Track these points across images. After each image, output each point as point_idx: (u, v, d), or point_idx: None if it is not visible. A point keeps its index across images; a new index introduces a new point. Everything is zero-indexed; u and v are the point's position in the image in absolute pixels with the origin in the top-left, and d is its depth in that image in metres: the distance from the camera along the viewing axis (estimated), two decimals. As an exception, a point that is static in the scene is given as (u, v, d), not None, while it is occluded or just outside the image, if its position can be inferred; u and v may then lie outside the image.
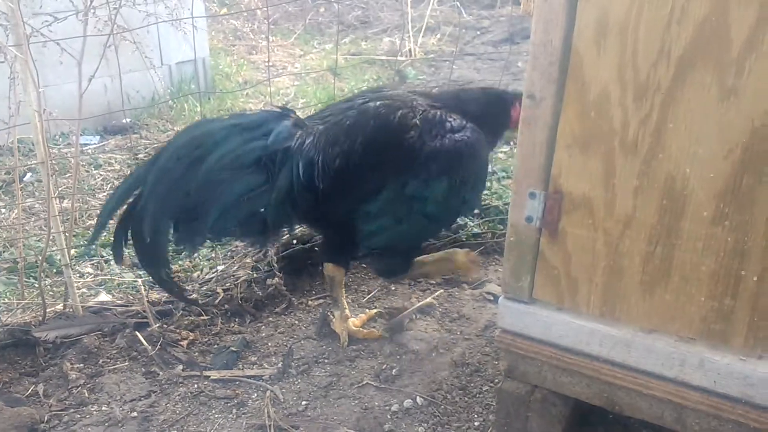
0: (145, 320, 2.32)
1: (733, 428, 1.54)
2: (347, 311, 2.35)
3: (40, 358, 2.18)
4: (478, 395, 2.07)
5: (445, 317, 2.47)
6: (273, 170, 2.02)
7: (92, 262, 2.81)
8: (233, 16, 7.41)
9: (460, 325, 2.42)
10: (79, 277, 2.61)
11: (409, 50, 6.73)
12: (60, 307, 2.33)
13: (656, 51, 1.42)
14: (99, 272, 2.70)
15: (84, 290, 2.50)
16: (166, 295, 2.40)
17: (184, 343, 2.26)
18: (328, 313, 2.38)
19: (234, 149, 2.00)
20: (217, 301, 2.44)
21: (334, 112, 2.17)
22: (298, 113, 2.18)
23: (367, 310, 2.46)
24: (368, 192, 2.06)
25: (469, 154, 2.06)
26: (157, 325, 2.30)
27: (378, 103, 2.13)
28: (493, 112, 2.23)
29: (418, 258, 2.31)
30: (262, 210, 2.04)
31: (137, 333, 2.26)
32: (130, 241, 2.00)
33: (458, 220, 2.70)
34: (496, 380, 2.15)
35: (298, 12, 8.09)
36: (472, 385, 2.12)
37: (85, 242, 2.84)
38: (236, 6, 7.79)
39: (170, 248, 2.09)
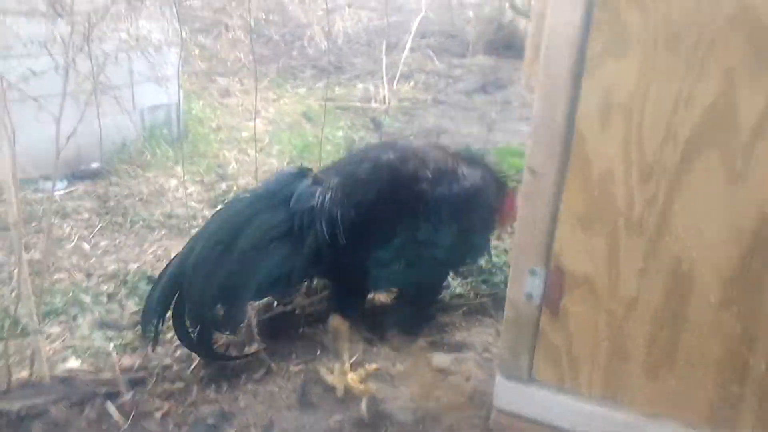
0: (116, 389, 2.20)
1: None
2: (347, 365, 2.30)
3: (3, 431, 2.04)
4: (468, 473, 1.99)
5: (429, 383, 2.39)
6: (300, 233, 2.08)
7: (59, 321, 2.68)
8: (205, 58, 7.35)
9: (446, 391, 2.34)
10: (46, 338, 2.48)
11: (384, 97, 6.73)
12: (25, 373, 2.19)
13: (663, 133, 1.40)
14: (66, 334, 2.57)
15: (50, 354, 2.37)
16: (138, 362, 2.30)
17: (159, 413, 2.14)
18: (323, 369, 2.35)
19: (260, 225, 2.07)
20: (192, 367, 2.33)
21: (349, 163, 2.25)
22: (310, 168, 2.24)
23: (367, 365, 2.40)
24: (383, 240, 2.12)
25: (478, 199, 2.14)
26: (130, 394, 2.18)
27: (391, 155, 2.21)
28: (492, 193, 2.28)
29: None
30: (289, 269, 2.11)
31: (108, 403, 2.14)
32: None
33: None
34: (484, 452, 2.07)
35: (272, 55, 8.07)
36: (462, 461, 2.04)
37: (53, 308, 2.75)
38: (209, 51, 7.74)
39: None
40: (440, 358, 2.52)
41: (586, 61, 1.43)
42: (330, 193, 2.10)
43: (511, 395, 1.69)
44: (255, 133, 4.29)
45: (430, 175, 2.13)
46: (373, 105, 6.61)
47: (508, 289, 1.65)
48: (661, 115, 1.39)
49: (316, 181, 2.15)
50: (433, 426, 2.16)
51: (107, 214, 3.79)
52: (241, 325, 2.35)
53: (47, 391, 2.14)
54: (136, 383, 2.23)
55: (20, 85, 2.06)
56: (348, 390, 2.27)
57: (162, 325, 2.16)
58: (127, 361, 2.31)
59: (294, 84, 7.38)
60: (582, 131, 1.46)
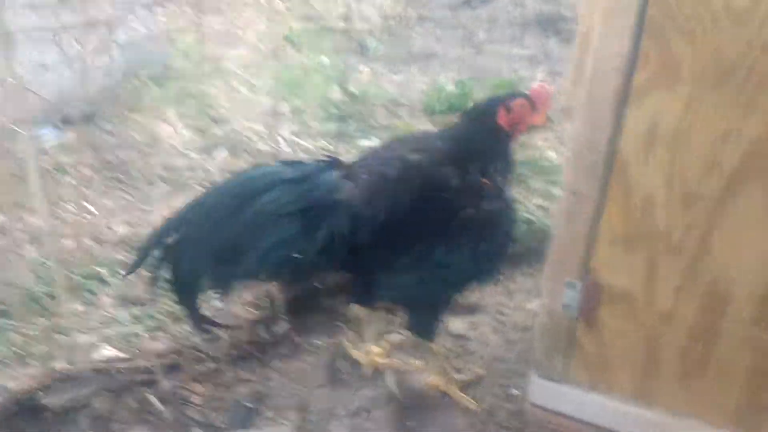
0: (152, 376, 2.27)
1: None
2: (372, 346, 2.38)
3: (50, 427, 2.12)
4: (497, 446, 2.12)
5: (449, 353, 2.49)
6: (316, 220, 2.02)
7: (79, 298, 2.70)
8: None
9: (467, 361, 2.45)
10: (73, 319, 2.52)
11: (367, 16, 6.56)
12: (63, 365, 2.25)
13: (707, 163, 1.43)
14: (91, 312, 2.61)
15: (83, 338, 2.42)
16: (168, 345, 2.36)
17: (197, 399, 2.23)
18: (348, 343, 2.42)
19: (279, 197, 2.01)
20: (221, 346, 2.40)
21: (376, 162, 2.16)
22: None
23: (389, 338, 2.48)
24: (400, 247, 2.08)
25: (497, 226, 2.04)
26: (168, 382, 2.25)
27: (419, 156, 2.12)
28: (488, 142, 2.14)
29: None
30: (299, 256, 2.03)
31: (148, 394, 2.21)
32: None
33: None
34: (509, 425, 2.20)
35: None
36: (487, 434, 2.16)
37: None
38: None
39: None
40: (456, 324, 2.61)
41: (632, 89, 1.44)
42: (357, 191, 2.05)
43: (545, 393, 1.78)
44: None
45: (459, 186, 2.04)
46: (358, 26, 6.44)
47: (543, 299, 1.71)
48: (706, 147, 1.41)
49: (346, 175, 2.08)
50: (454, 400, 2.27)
51: (106, 169, 3.74)
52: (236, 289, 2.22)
53: (87, 383, 2.20)
54: (170, 369, 2.30)
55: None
56: (375, 367, 2.36)
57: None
58: (158, 346, 2.36)
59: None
60: (625, 157, 1.49)
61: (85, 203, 3.42)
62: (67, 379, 2.18)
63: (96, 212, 3.39)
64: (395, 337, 2.50)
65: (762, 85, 1.33)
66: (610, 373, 1.69)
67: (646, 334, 1.61)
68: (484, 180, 2.07)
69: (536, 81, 2.17)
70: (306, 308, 2.59)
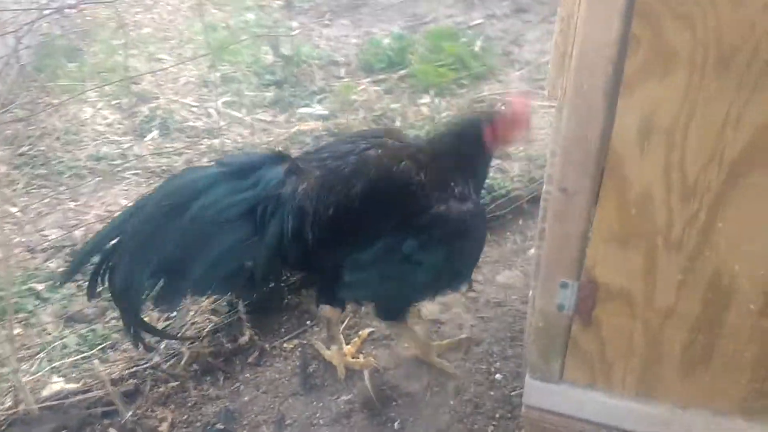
0: (111, 407, 2.10)
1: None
2: (344, 346, 2.29)
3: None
4: (486, 438, 2.06)
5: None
6: (262, 221, 1.89)
7: (18, 319, 2.48)
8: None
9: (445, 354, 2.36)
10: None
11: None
12: (11, 405, 2.05)
13: (707, 154, 1.32)
14: (31, 335, 2.39)
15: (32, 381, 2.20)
16: (128, 371, 2.18)
17: (164, 426, 2.07)
18: (318, 343, 2.35)
19: (219, 199, 1.86)
20: (183, 362, 2.24)
21: (333, 155, 2.02)
22: (290, 153, 2.09)
23: (360, 333, 2.37)
24: (359, 244, 1.95)
25: (469, 228, 1.95)
26: (129, 413, 2.09)
27: (380, 151, 1.99)
28: (472, 154, 2.06)
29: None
30: (250, 263, 1.92)
31: (110, 429, 2.04)
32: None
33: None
34: (497, 415, 2.14)
35: None
36: (476, 427, 2.09)
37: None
38: None
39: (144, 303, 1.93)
40: (429, 308, 2.51)
41: (623, 79, 1.31)
42: (305, 185, 1.92)
43: (541, 394, 1.70)
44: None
45: (424, 184, 1.94)
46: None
47: (536, 300, 1.61)
48: (707, 137, 1.30)
49: (292, 170, 1.96)
50: (439, 392, 2.19)
51: (27, 165, 3.44)
52: (180, 307, 2.18)
53: (40, 423, 2.02)
54: (130, 395, 2.14)
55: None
56: (349, 368, 2.24)
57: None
58: (112, 370, 2.18)
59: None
60: (619, 152, 1.37)
61: (8, 207, 3.13)
62: (16, 423, 1.99)
63: (22, 216, 3.12)
64: (365, 331, 2.39)
65: (765, 70, 1.22)
66: (610, 371, 1.61)
67: (647, 330, 1.53)
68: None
69: (514, 95, 2.05)
70: (270, 309, 2.44)
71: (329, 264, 2.01)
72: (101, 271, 1.85)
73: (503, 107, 2.12)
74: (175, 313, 2.41)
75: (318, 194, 1.92)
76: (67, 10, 4.90)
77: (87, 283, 1.88)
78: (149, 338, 2.07)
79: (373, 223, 1.93)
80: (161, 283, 1.87)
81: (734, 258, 1.39)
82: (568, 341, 1.62)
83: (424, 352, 2.28)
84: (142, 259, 1.83)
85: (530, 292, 1.79)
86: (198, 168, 2.11)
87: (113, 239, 1.85)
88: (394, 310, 2.16)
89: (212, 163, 2.03)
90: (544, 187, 1.54)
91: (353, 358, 2.28)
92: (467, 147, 2.03)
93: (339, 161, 1.97)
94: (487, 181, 3.01)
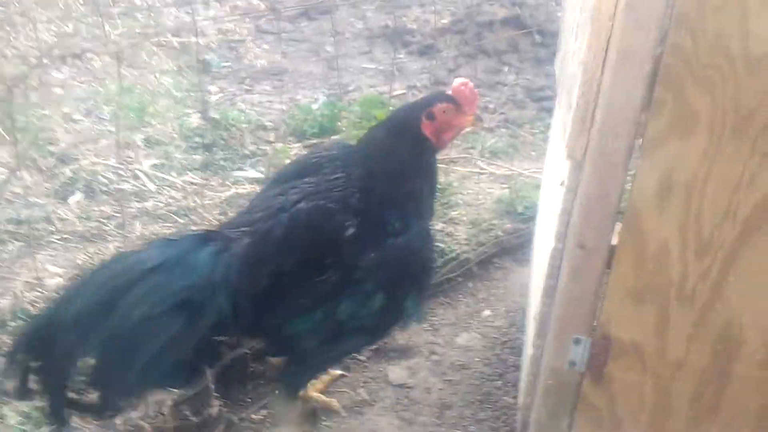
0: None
1: None
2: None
3: None
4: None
5: (396, 405, 2.35)
6: (198, 311, 1.79)
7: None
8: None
9: (417, 413, 2.32)
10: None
11: (201, 30, 6.16)
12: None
13: (722, 212, 1.40)
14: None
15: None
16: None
17: None
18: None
19: (154, 288, 1.75)
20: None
21: (264, 216, 1.94)
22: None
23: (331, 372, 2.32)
24: (293, 309, 1.91)
25: (411, 262, 1.92)
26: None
27: (311, 204, 1.91)
28: (408, 150, 1.98)
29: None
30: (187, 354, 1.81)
31: None
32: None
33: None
34: (480, 479, 2.11)
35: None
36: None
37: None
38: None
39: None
40: (395, 373, 2.49)
41: (646, 140, 1.38)
42: (237, 264, 1.84)
43: (548, 453, 1.69)
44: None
45: (357, 233, 1.89)
46: (193, 39, 6.04)
47: (546, 358, 1.62)
48: (722, 195, 1.39)
49: (221, 248, 1.87)
50: (420, 459, 2.14)
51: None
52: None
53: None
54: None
55: None
56: (309, 402, 2.21)
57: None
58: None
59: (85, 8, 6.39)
60: (637, 209, 1.43)
61: None
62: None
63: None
64: (336, 372, 2.32)
65: (781, 132, 1.32)
66: (619, 427, 1.64)
67: (657, 384, 1.57)
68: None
69: (456, 79, 1.98)
70: (237, 378, 2.32)
71: (269, 335, 2.01)
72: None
73: (443, 93, 2.02)
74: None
75: (250, 270, 1.86)
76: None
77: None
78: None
79: (307, 289, 1.89)
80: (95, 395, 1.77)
81: (743, 310, 1.47)
82: (578, 398, 1.63)
83: None
84: (73, 362, 1.74)
85: (529, 352, 1.79)
86: (125, 257, 1.96)
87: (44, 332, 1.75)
88: (306, 375, 2.13)
89: (139, 249, 1.95)
90: (554, 244, 1.58)
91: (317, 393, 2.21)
92: (405, 149, 1.96)
93: (270, 221, 1.90)
94: (437, 244, 3.07)
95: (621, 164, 1.40)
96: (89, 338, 1.70)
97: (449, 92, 1.98)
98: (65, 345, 1.70)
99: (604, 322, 1.54)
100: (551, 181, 2.07)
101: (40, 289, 2.78)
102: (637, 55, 1.32)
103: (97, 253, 3.02)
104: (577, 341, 1.56)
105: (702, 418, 1.58)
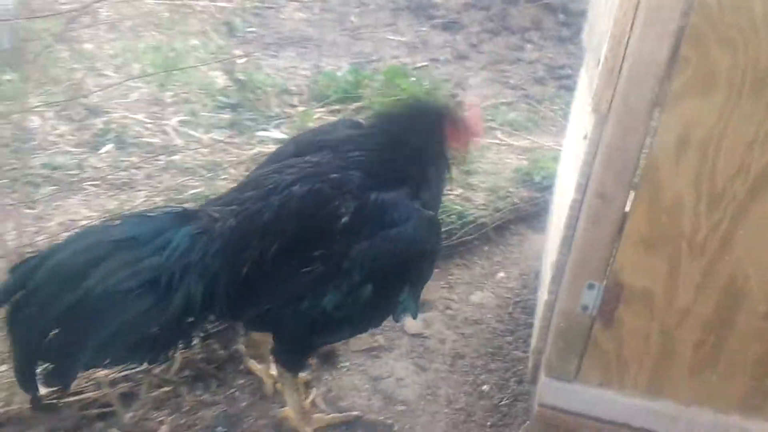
0: (107, 409, 2.03)
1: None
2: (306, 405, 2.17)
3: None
4: (481, 446, 2.13)
5: (412, 352, 2.47)
6: (168, 290, 1.72)
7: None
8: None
9: (431, 360, 2.43)
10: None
11: (227, -5, 6.25)
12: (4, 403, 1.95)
13: (735, 167, 1.49)
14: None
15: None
16: (121, 374, 2.11)
17: (164, 428, 2.02)
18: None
19: (118, 269, 1.69)
20: (174, 368, 2.20)
21: (255, 195, 1.86)
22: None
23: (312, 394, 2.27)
24: (274, 297, 1.83)
25: (407, 252, 1.82)
26: (128, 414, 2.02)
27: (305, 188, 1.83)
28: (425, 143, 1.93)
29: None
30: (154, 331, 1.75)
31: (111, 429, 1.98)
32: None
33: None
34: (488, 423, 2.22)
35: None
36: (471, 435, 2.17)
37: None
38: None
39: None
40: (412, 323, 2.58)
41: (668, 95, 1.46)
42: (218, 243, 1.76)
43: (556, 393, 1.80)
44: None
45: (351, 222, 1.80)
46: (221, 3, 6.13)
47: (561, 301, 1.72)
48: (737, 152, 1.47)
49: (203, 228, 1.78)
50: (432, 401, 2.26)
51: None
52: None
53: (33, 424, 1.93)
54: (126, 398, 2.08)
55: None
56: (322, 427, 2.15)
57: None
58: (105, 373, 2.11)
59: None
60: (656, 161, 1.52)
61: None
62: (10, 422, 1.89)
63: (-24, 220, 2.96)
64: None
65: (794, 94, 1.40)
66: (625, 370, 1.74)
67: (663, 330, 1.67)
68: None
69: (467, 102, 2.01)
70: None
71: (251, 320, 1.92)
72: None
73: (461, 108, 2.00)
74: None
75: (230, 255, 1.78)
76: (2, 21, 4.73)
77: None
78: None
79: (293, 276, 1.81)
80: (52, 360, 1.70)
81: (749, 263, 1.56)
82: (588, 341, 1.73)
83: (299, 418, 2.10)
84: (37, 331, 1.67)
85: (543, 298, 1.90)
86: (100, 228, 1.87)
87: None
88: (297, 357, 2.03)
89: (118, 221, 1.84)
90: (573, 195, 1.67)
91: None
92: (425, 134, 1.91)
93: (259, 203, 1.83)
94: (456, 207, 3.16)
95: (643, 117, 1.49)
96: (51, 307, 1.65)
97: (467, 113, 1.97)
98: (29, 311, 1.65)
99: (617, 269, 1.64)
100: (571, 150, 2.16)
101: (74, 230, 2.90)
102: (665, 14, 1.41)
103: (128, 201, 3.13)
104: (590, 286, 1.66)
105: (703, 364, 1.68)
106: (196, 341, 2.20)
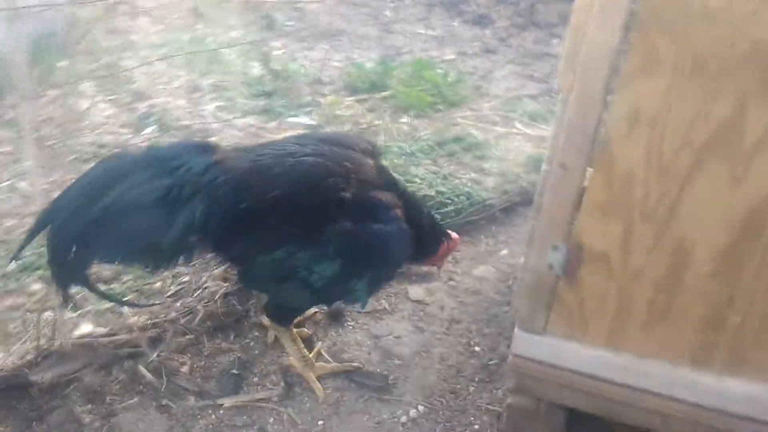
0: (136, 349, 2.32)
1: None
2: (309, 357, 2.39)
3: (40, 402, 2.13)
4: (468, 397, 2.35)
5: (413, 316, 2.70)
6: (176, 205, 1.98)
7: (36, 276, 2.66)
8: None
9: (429, 324, 2.66)
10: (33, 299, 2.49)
11: (273, -12, 6.54)
12: (45, 343, 2.24)
13: (680, 141, 1.68)
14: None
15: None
16: (150, 321, 2.40)
17: (185, 369, 2.30)
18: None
19: (140, 183, 1.98)
20: (197, 319, 2.47)
21: (272, 155, 2.13)
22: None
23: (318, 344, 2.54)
24: (262, 244, 2.08)
25: (380, 248, 2.09)
26: (154, 354, 2.31)
27: (318, 160, 2.10)
28: (426, 237, 2.28)
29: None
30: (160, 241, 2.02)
31: (139, 366, 2.26)
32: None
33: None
34: (477, 378, 2.44)
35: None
36: (459, 387, 2.39)
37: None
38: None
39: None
40: (415, 291, 2.82)
41: (619, 76, 1.67)
42: (226, 177, 2.01)
43: (526, 344, 2.01)
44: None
45: (342, 200, 2.05)
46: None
47: (528, 260, 1.94)
48: (681, 127, 1.66)
49: (218, 162, 2.05)
50: (426, 357, 2.49)
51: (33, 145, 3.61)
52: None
53: (72, 359, 2.22)
54: (153, 341, 2.36)
55: None
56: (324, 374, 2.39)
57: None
58: (137, 320, 2.40)
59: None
60: (610, 136, 1.72)
61: (19, 182, 3.32)
62: (51, 356, 2.19)
63: (31, 189, 3.29)
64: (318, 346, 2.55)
65: (729, 76, 1.59)
66: (585, 324, 1.94)
67: (619, 289, 1.86)
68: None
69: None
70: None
71: (235, 255, 2.16)
72: (30, 239, 2.02)
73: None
74: (187, 278, 2.65)
75: (235, 190, 2.01)
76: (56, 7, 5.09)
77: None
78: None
79: (280, 227, 2.05)
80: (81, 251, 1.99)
81: (694, 228, 1.75)
82: (554, 297, 1.94)
83: (302, 365, 2.34)
84: (64, 238, 1.97)
85: (521, 260, 2.11)
86: (122, 155, 2.22)
87: (53, 214, 1.99)
88: (280, 312, 2.29)
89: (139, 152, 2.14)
90: (543, 166, 1.88)
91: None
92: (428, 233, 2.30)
93: (273, 161, 2.08)
94: (465, 189, 3.38)
95: (599, 97, 1.69)
96: (76, 217, 1.94)
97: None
98: (59, 223, 1.95)
99: (578, 233, 1.84)
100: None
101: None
102: (615, 7, 1.61)
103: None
104: (555, 247, 1.87)
105: (655, 321, 1.88)
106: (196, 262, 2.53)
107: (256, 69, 4.86)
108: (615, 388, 1.97)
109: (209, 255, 2.37)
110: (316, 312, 2.60)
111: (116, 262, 2.11)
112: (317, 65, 5.14)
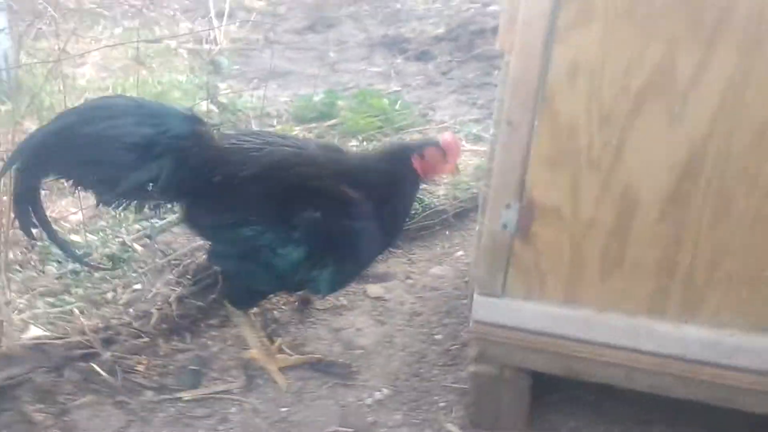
0: (89, 350, 2.25)
1: (672, 380, 1.96)
2: (270, 346, 2.40)
3: (-13, 404, 2.04)
4: (432, 379, 2.34)
5: (373, 311, 2.69)
6: (149, 157, 2.06)
7: None
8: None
9: (390, 317, 2.65)
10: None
11: (214, 38, 6.63)
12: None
13: (618, 88, 1.76)
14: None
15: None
16: (102, 325, 2.34)
17: (141, 367, 2.24)
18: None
19: (124, 125, 2.05)
20: (152, 322, 2.42)
21: (253, 141, 2.21)
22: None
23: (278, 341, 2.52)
24: (229, 220, 2.13)
25: (348, 244, 2.14)
26: (107, 354, 2.24)
27: (296, 151, 2.20)
28: (399, 180, 2.26)
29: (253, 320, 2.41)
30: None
31: (93, 365, 2.19)
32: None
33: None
34: (440, 363, 2.43)
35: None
36: (423, 371, 2.37)
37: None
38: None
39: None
40: (373, 289, 2.82)
41: (556, 30, 1.75)
42: (205, 150, 2.09)
43: (486, 308, 2.02)
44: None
45: (314, 189, 2.12)
46: (205, 46, 6.49)
47: (484, 222, 1.97)
48: (617, 73, 1.74)
49: (201, 133, 2.12)
50: (388, 346, 2.47)
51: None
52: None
53: (22, 362, 2.14)
54: (107, 342, 2.29)
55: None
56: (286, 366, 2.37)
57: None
58: (90, 323, 2.34)
59: (105, 24, 6.92)
60: (552, 89, 1.79)
61: None
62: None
63: None
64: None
65: (659, 22, 1.68)
66: (543, 281, 1.97)
67: (572, 241, 1.90)
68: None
69: (445, 133, 2.33)
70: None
71: (204, 227, 2.22)
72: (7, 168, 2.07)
73: (434, 140, 2.29)
74: (139, 286, 2.59)
75: (209, 161, 2.10)
76: None
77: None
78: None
79: (249, 206, 2.10)
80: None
81: (639, 174, 1.82)
82: (510, 257, 1.97)
83: (263, 355, 2.33)
84: (45, 160, 2.06)
85: (477, 228, 2.14)
86: (120, 96, 2.34)
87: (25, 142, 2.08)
88: (240, 294, 2.30)
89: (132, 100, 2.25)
90: (491, 130, 1.93)
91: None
92: (393, 170, 2.23)
93: (252, 145, 2.17)
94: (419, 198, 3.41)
95: (539, 52, 1.77)
96: (64, 145, 2.04)
97: (439, 142, 2.26)
98: (42, 149, 2.03)
99: (529, 188, 1.89)
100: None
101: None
102: (547, -39, 1.70)
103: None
104: (508, 206, 1.91)
105: (610, 270, 1.91)
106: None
107: (203, 105, 4.87)
108: (577, 345, 1.99)
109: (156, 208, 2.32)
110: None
111: (70, 181, 2.16)
112: (265, 101, 5.19)
